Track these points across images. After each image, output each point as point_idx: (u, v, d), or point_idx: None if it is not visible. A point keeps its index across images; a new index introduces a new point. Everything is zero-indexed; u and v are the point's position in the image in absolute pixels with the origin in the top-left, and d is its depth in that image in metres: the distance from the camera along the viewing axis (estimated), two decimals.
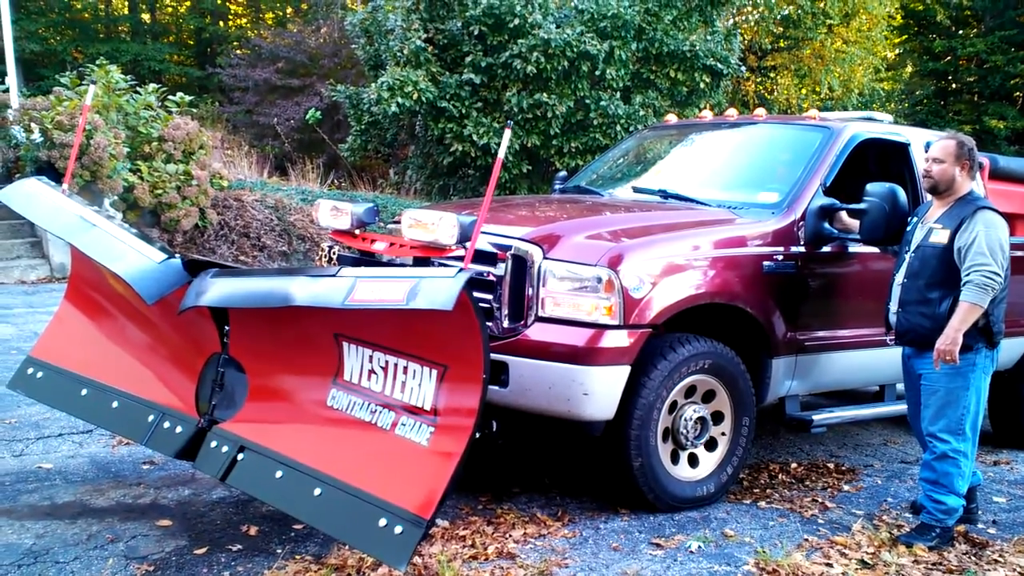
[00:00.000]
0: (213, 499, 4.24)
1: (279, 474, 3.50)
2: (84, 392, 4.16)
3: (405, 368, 3.45)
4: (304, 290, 3.32)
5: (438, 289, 3.00)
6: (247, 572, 3.48)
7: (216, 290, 3.60)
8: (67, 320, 4.51)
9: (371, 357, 3.58)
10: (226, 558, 3.60)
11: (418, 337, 3.38)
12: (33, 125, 11.49)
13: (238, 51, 23.64)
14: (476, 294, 4.19)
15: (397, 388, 3.47)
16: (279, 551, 3.68)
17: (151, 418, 3.95)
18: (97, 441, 4.99)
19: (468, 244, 3.53)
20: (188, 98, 13.86)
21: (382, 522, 3.11)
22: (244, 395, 3.91)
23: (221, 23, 28.82)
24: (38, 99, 12.25)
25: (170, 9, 29.58)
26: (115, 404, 4.06)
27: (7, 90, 13.50)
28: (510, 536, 3.93)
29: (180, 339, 4.12)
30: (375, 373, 3.55)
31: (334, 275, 3.33)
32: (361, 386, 3.59)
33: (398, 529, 3.07)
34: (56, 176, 11.17)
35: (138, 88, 12.77)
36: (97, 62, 12.67)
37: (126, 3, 28.80)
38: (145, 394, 4.05)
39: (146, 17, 28.59)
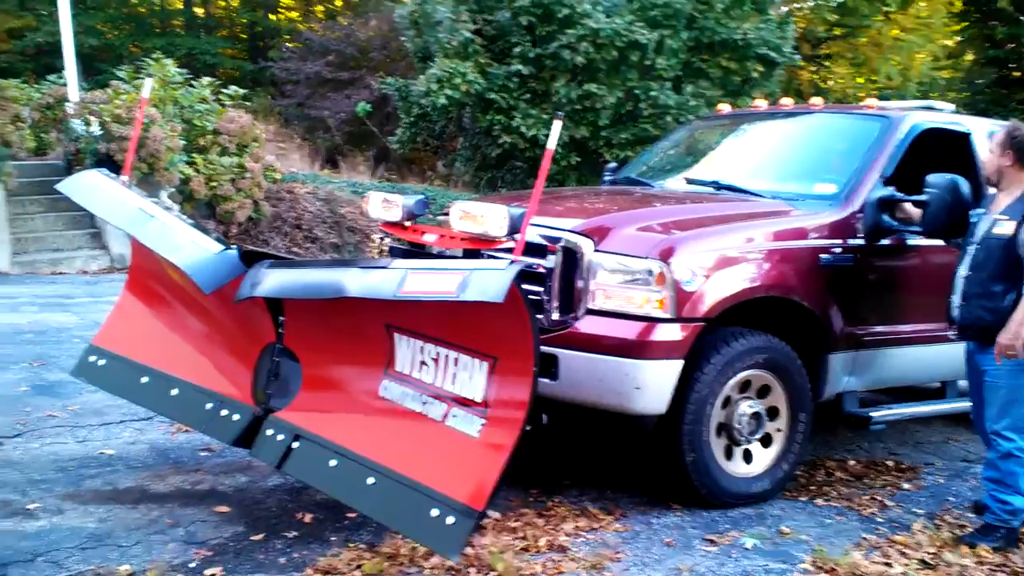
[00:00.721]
0: (269, 486, 4.30)
1: (333, 463, 3.54)
2: (144, 380, 4.25)
3: (456, 360, 3.47)
4: (356, 281, 3.35)
5: (489, 281, 3.00)
6: (302, 559, 3.53)
7: (271, 281, 3.64)
8: (128, 309, 4.61)
9: (422, 348, 3.60)
10: (282, 544, 3.65)
11: (468, 329, 3.39)
12: (92, 118, 11.77)
13: (289, 44, 23.92)
14: (525, 286, 4.19)
15: (448, 379, 3.48)
16: (333, 539, 3.72)
17: (209, 406, 4.02)
18: (156, 428, 5.10)
19: (518, 236, 3.53)
20: (242, 92, 14.09)
21: (434, 512, 3.14)
22: (298, 384, 3.97)
23: (272, 16, 29.18)
24: (96, 93, 12.55)
25: (223, 3, 30.01)
26: (174, 392, 4.15)
27: (67, 84, 13.85)
28: (561, 529, 3.92)
29: (236, 328, 4.18)
30: (426, 364, 3.57)
31: (385, 267, 3.35)
32: (412, 377, 3.62)
33: (450, 520, 3.09)
34: (115, 168, 11.44)
35: (193, 82, 13.01)
36: (153, 56, 12.95)
37: None
38: (203, 382, 4.13)
39: (200, 11, 29.05)
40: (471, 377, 3.40)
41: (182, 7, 28.92)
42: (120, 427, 5.09)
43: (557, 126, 3.50)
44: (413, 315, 3.55)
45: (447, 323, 3.46)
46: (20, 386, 5.72)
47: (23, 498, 3.99)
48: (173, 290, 4.41)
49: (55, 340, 7.03)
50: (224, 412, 3.99)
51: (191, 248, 3.91)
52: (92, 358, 4.49)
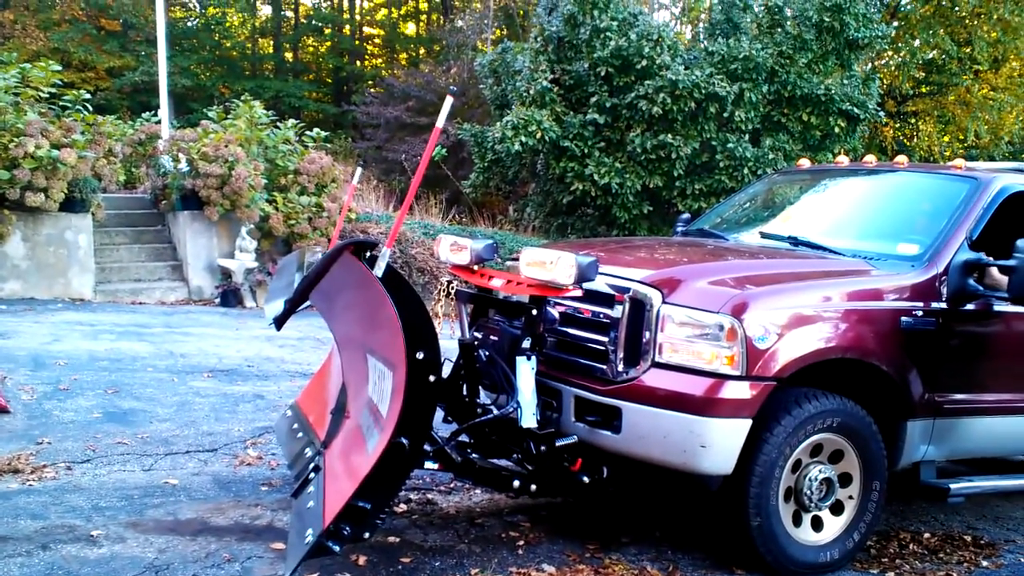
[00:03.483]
0: None
1: (310, 489, 3.60)
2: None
3: (383, 373, 3.45)
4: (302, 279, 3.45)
5: (327, 253, 3.16)
6: None
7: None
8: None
9: (375, 366, 3.59)
10: None
11: (380, 334, 3.36)
12: (180, 155, 12.23)
13: (372, 89, 24.63)
14: (590, 335, 4.14)
15: (379, 395, 3.46)
16: None
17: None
18: (221, 460, 5.17)
19: (585, 284, 3.52)
20: (324, 134, 14.48)
21: (307, 533, 3.14)
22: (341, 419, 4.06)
23: (358, 63, 30.14)
24: (186, 131, 13.07)
25: (311, 49, 31.15)
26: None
27: (159, 121, 14.47)
28: None
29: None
30: (376, 382, 3.57)
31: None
32: (370, 396, 3.64)
33: (309, 539, 3.09)
34: (198, 204, 11.87)
35: (278, 123, 13.44)
36: (242, 98, 13.43)
37: (271, 43, 30.52)
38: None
39: (289, 56, 30.18)
40: (385, 389, 3.37)
41: (272, 51, 30.09)
42: (186, 457, 5.16)
43: (448, 102, 3.47)
44: (373, 331, 3.53)
45: (377, 332, 3.43)
46: (93, 412, 5.88)
47: (87, 524, 4.06)
48: None
49: (130, 368, 7.23)
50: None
51: None
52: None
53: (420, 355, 3.24)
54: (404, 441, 3.22)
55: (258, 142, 12.65)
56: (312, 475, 3.78)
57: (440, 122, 3.44)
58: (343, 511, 3.12)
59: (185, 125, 16.18)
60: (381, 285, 3.18)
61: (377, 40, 32.13)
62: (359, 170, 5.18)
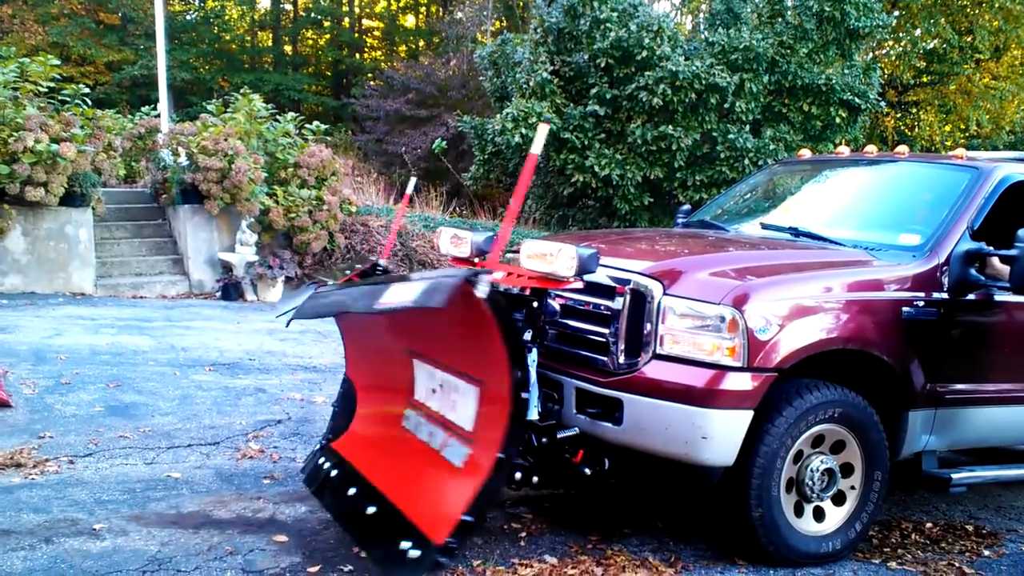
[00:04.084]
0: (327, 517, 4.28)
1: (352, 491, 3.57)
2: None
3: (457, 386, 3.40)
4: (352, 297, 3.31)
5: (439, 286, 2.81)
6: None
7: (307, 306, 3.61)
8: None
9: (432, 374, 3.54)
10: None
11: (464, 351, 3.30)
12: (180, 149, 12.21)
13: (372, 82, 24.57)
14: (591, 327, 4.14)
15: (449, 407, 3.42)
16: None
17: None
18: (223, 453, 5.17)
19: (586, 276, 3.46)
20: (323, 127, 14.46)
21: (404, 545, 3.07)
22: (353, 413, 4.02)
23: (357, 55, 30.07)
24: (186, 124, 13.05)
25: (310, 42, 31.08)
26: None
27: (159, 115, 14.44)
28: None
29: None
30: (435, 391, 3.52)
31: (376, 281, 3.29)
32: (425, 405, 3.59)
33: (414, 554, 3.02)
34: (199, 197, 11.86)
35: (278, 116, 13.41)
36: (241, 91, 13.40)
37: (270, 36, 30.47)
38: None
39: (288, 49, 30.12)
40: (465, 404, 3.32)
41: (271, 44, 30.03)
42: (188, 451, 5.17)
43: (543, 129, 3.43)
44: (426, 338, 3.49)
45: (449, 345, 3.38)
46: (95, 406, 5.89)
47: (90, 517, 4.07)
48: None
49: (131, 362, 7.23)
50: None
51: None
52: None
53: (519, 374, 3.23)
54: (503, 456, 3.21)
55: (257, 135, 12.63)
56: (333, 472, 3.74)
57: (535, 148, 3.44)
58: (458, 527, 3.08)
59: (184, 119, 16.17)
60: (488, 307, 3.08)
61: (376, 32, 32.06)
62: (413, 179, 5.13)
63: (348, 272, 4.66)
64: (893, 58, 19.64)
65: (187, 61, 25.23)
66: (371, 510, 3.36)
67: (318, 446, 4.27)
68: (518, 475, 3.96)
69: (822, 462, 4.10)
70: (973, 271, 4.43)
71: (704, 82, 13.60)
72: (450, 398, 3.39)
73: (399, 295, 2.95)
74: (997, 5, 18.39)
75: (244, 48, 29.39)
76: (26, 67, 11.06)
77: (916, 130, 20.39)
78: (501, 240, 3.58)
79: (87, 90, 12.12)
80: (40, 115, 10.45)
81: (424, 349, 3.59)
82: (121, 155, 13.66)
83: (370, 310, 3.09)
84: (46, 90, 11.17)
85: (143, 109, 15.18)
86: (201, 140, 11.90)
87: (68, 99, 11.56)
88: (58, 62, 11.52)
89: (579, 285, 3.90)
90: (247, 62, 28.49)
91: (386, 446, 3.73)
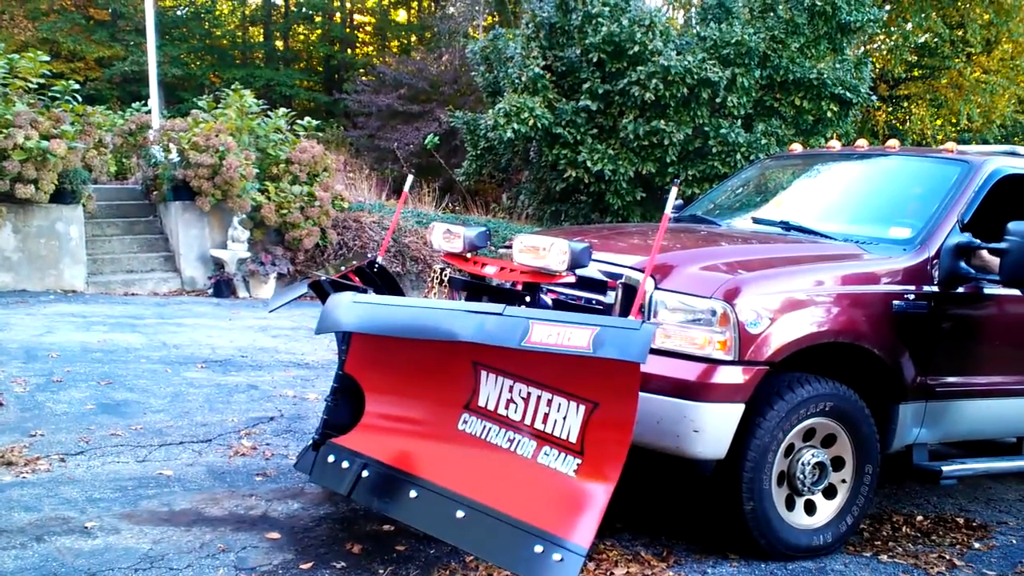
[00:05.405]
0: (320, 514, 4.30)
1: (413, 494, 3.63)
2: None
3: (549, 401, 3.56)
4: (470, 327, 3.37)
5: (629, 341, 3.09)
6: None
7: (370, 316, 3.67)
8: None
9: (511, 387, 3.68)
10: (329, 574, 3.63)
11: (568, 374, 3.48)
12: (171, 145, 12.17)
13: (364, 78, 24.52)
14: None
15: (539, 419, 3.57)
16: (381, 571, 3.68)
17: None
18: (215, 451, 5.16)
19: (578, 271, 3.51)
20: (315, 122, 14.43)
21: (538, 549, 3.22)
22: (355, 410, 4.02)
23: (349, 51, 29.97)
24: (177, 121, 13.01)
25: (302, 37, 30.97)
26: None
27: (149, 111, 14.40)
28: (612, 574, 3.82)
29: None
30: (514, 402, 3.66)
31: (500, 314, 3.34)
32: (497, 413, 3.69)
33: (556, 556, 3.17)
34: (190, 194, 11.82)
35: (269, 112, 13.38)
36: (232, 87, 13.36)
37: (261, 31, 30.36)
38: None
39: (279, 44, 30.02)
40: (565, 418, 3.50)
41: (263, 40, 29.92)
42: (180, 448, 5.16)
43: (674, 193, 3.61)
44: (504, 356, 3.60)
45: (545, 367, 3.54)
46: (86, 404, 5.87)
47: (81, 516, 4.05)
48: None
49: (123, 360, 7.21)
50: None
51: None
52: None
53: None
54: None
55: (249, 131, 12.59)
56: (364, 472, 3.80)
57: (668, 209, 3.65)
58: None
59: (175, 115, 16.12)
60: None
61: (368, 28, 31.96)
62: (410, 178, 5.14)
63: (343, 268, 4.64)
64: (884, 52, 19.67)
65: (178, 57, 25.14)
66: (460, 514, 3.45)
67: (311, 441, 4.24)
68: None
69: (813, 455, 4.12)
70: (963, 264, 4.45)
71: (696, 77, 13.62)
72: (548, 413, 3.57)
73: (559, 337, 3.18)
74: None
75: (235, 43, 29.27)
76: (15, 63, 11.01)
77: (907, 124, 20.43)
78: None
79: (77, 86, 12.07)
80: (30, 111, 10.40)
81: (499, 363, 3.72)
82: (112, 152, 13.63)
83: (520, 347, 3.25)
84: (36, 86, 11.12)
85: (134, 105, 15.15)
86: (192, 136, 11.85)
87: (58, 95, 11.51)
88: (48, 58, 11.48)
89: (571, 279, 3.90)
90: (238, 58, 28.39)
91: (440, 450, 3.76)
